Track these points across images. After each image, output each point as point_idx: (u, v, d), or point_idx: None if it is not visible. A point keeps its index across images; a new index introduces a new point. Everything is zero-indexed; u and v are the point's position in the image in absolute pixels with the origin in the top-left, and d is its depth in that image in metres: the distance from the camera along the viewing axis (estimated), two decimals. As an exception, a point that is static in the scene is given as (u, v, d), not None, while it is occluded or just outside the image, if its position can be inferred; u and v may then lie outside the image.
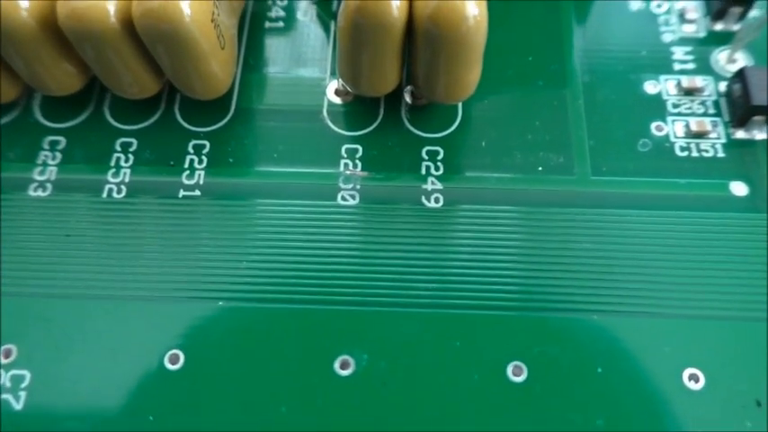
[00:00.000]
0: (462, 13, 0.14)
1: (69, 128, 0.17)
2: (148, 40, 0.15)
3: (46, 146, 0.17)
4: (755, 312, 0.14)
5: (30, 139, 0.17)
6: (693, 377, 0.14)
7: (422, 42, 0.14)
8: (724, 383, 0.14)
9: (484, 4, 0.14)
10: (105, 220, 0.16)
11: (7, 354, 0.14)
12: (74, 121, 0.17)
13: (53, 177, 0.16)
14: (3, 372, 0.14)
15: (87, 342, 0.14)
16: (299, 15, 0.19)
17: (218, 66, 0.15)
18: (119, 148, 0.17)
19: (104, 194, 0.16)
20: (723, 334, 0.14)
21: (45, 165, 0.17)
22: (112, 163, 0.17)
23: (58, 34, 0.15)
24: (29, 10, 0.14)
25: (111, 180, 0.16)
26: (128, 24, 0.14)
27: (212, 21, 0.15)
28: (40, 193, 0.16)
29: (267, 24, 0.19)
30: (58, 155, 0.17)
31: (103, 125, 0.17)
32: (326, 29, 0.18)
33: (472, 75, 0.15)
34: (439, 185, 0.16)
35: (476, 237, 0.15)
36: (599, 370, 0.14)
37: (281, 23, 0.19)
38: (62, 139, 0.17)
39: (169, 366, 0.14)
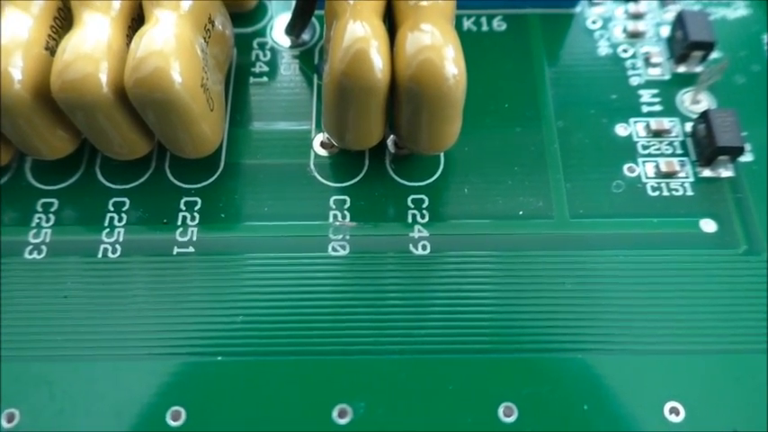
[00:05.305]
0: (442, 73, 0.14)
1: (62, 189, 0.17)
2: (140, 107, 0.15)
3: (39, 208, 0.17)
4: (731, 345, 0.15)
5: (23, 203, 0.17)
6: (674, 410, 0.15)
7: (404, 100, 0.15)
8: (703, 414, 0.15)
9: (462, 63, 0.14)
10: (102, 280, 0.16)
11: (10, 418, 0.15)
12: (66, 182, 0.17)
13: (48, 239, 0.17)
14: (7, 436, 0.14)
15: (90, 403, 0.15)
16: (282, 70, 0.19)
17: (207, 127, 0.16)
18: (111, 208, 0.17)
19: (99, 254, 0.16)
20: (701, 367, 0.15)
21: (39, 227, 0.17)
22: (106, 223, 0.17)
23: (51, 104, 0.15)
24: (22, 82, 0.15)
25: (106, 240, 0.17)
26: (120, 92, 0.15)
27: (202, 86, 0.15)
28: (35, 255, 0.16)
29: (252, 80, 0.19)
30: (52, 217, 0.17)
31: (95, 185, 0.17)
32: (309, 82, 0.19)
33: (453, 128, 0.16)
34: (425, 233, 0.17)
35: (463, 282, 0.16)
36: (585, 407, 0.15)
37: (265, 78, 0.19)
38: (55, 201, 0.17)
39: (171, 423, 0.15)
